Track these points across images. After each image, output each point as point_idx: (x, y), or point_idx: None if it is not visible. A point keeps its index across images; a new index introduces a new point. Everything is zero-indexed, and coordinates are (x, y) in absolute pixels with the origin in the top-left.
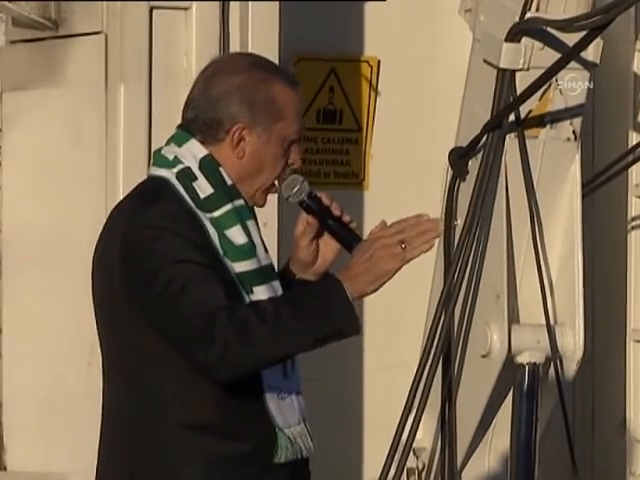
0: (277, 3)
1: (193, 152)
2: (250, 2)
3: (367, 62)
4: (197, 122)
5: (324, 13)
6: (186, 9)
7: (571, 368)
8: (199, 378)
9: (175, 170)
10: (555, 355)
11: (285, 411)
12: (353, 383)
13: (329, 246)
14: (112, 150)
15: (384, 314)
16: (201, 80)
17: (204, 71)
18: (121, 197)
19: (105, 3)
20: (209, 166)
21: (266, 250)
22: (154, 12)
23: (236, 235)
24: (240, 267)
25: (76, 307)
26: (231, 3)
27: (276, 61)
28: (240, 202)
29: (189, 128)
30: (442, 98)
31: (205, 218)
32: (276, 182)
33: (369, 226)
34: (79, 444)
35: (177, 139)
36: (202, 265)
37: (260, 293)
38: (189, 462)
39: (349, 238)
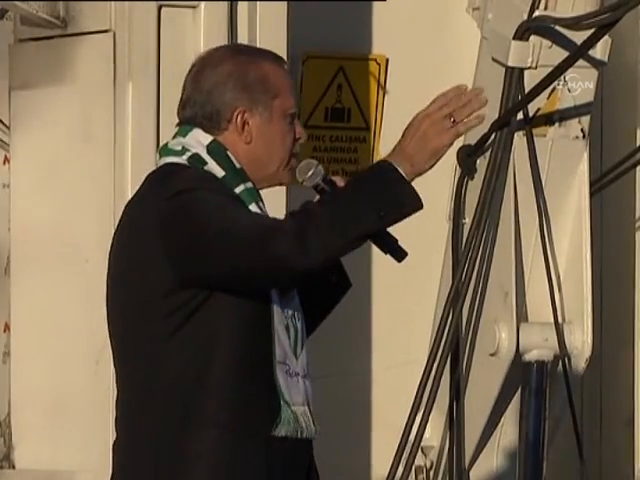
0: (285, 2)
1: (199, 139)
2: (258, 1)
3: (375, 60)
4: (196, 118)
5: (332, 11)
6: (194, 7)
7: (579, 366)
8: (216, 356)
9: (185, 157)
10: (563, 353)
11: (292, 388)
12: (362, 381)
13: None
14: (120, 148)
15: (393, 312)
16: (190, 79)
17: (190, 71)
18: (129, 195)
19: (113, 2)
20: (217, 150)
21: None
22: (162, 10)
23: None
24: None
25: (85, 305)
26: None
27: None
28: (250, 185)
29: (190, 123)
30: None
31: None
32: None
33: None
34: (87, 442)
35: (181, 132)
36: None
37: None
38: (204, 427)
39: None
